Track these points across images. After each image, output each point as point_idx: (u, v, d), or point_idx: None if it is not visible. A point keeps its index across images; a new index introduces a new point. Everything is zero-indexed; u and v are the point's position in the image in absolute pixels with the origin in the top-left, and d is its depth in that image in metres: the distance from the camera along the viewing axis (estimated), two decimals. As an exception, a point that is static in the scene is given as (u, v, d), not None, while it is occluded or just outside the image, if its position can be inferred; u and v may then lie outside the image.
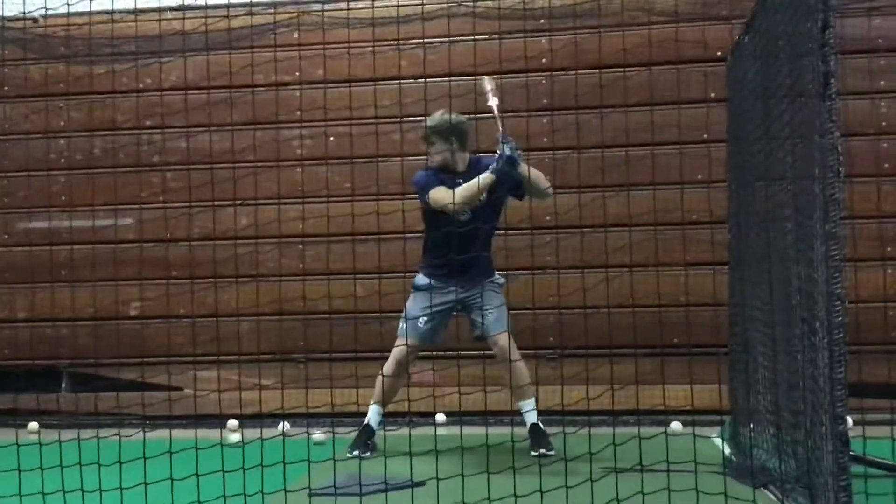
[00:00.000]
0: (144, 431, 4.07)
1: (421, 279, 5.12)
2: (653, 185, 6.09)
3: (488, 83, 5.09)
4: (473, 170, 5.04)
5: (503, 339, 4.94)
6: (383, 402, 5.20)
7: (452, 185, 4.94)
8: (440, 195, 4.89)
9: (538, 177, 4.97)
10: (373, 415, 5.19)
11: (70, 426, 6.13)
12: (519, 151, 4.84)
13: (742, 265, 4.48)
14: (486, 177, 4.84)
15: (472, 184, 4.86)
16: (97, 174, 6.62)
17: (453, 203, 4.73)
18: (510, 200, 5.31)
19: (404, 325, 5.06)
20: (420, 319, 5.02)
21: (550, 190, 5.07)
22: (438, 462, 3.84)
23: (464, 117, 5.12)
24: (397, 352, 5.06)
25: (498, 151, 4.82)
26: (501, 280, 5.21)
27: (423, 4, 6.36)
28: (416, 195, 5.18)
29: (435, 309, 4.95)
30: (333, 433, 4.87)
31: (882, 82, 6.15)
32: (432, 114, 5.13)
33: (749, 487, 3.85)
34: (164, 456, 3.87)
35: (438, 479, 3.71)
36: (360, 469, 4.15)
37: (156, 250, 6.53)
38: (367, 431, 5.15)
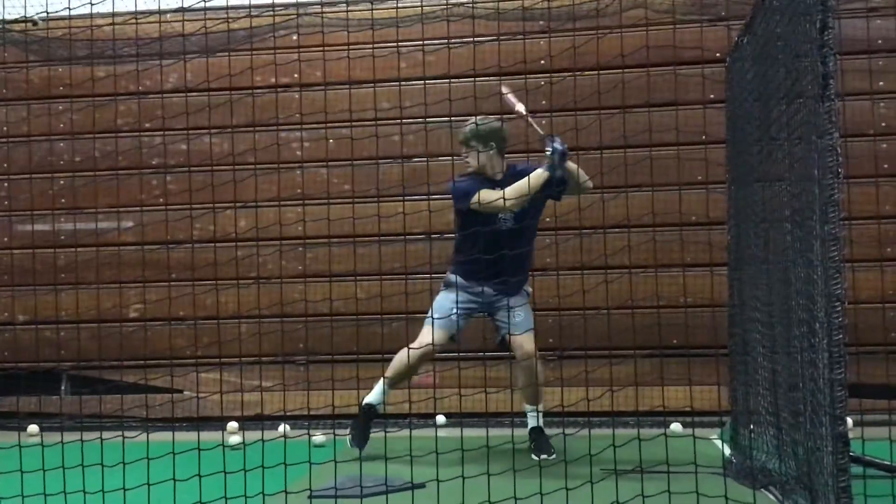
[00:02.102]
0: (148, 433, 4.08)
1: (453, 277, 5.03)
2: (652, 187, 6.09)
3: (506, 90, 5.01)
4: (510, 177, 4.94)
5: (528, 341, 4.89)
6: (396, 384, 5.02)
7: (494, 189, 4.85)
8: (490, 195, 4.78)
9: (581, 171, 4.96)
10: (378, 392, 5.03)
11: (71, 429, 6.16)
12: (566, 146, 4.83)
13: (741, 266, 4.49)
14: (539, 174, 4.78)
15: (523, 183, 4.78)
16: (98, 177, 6.62)
17: (504, 200, 4.60)
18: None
19: (436, 315, 4.93)
20: (452, 313, 4.88)
21: (590, 183, 5.04)
22: (439, 464, 3.84)
23: (502, 125, 4.99)
24: (425, 337, 4.90)
25: (548, 150, 4.76)
26: (529, 290, 5.16)
27: (422, 6, 6.36)
28: (451, 198, 5.02)
29: (465, 307, 4.92)
30: (335, 435, 4.88)
31: (881, 83, 6.15)
32: (469, 119, 5.00)
33: (749, 489, 3.86)
34: (165, 458, 3.88)
35: (439, 482, 3.72)
36: (360, 471, 4.15)
37: (157, 253, 6.52)
38: (370, 408, 5.03)
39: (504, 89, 5.04)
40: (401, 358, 4.90)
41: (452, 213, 5.13)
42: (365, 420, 5.07)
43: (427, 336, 4.89)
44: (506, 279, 4.78)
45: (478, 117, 4.97)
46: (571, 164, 4.88)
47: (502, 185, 4.88)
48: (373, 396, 5.08)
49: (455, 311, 4.84)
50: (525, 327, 4.92)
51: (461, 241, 5.05)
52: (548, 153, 4.77)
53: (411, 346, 4.79)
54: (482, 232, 4.73)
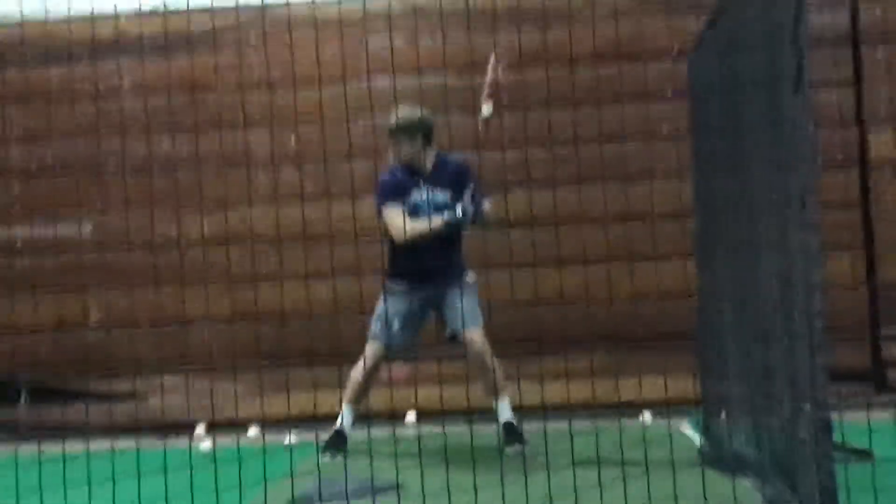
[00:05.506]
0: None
1: (391, 283, 5.04)
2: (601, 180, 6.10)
3: (493, 69, 4.99)
4: (440, 169, 4.98)
5: (476, 335, 4.91)
6: (356, 402, 5.08)
7: (416, 187, 4.94)
8: (393, 220, 4.88)
9: (489, 218, 5.02)
10: (344, 417, 5.08)
11: (30, 440, 6.02)
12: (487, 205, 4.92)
13: (710, 256, 4.52)
14: (441, 222, 4.82)
15: (425, 226, 4.81)
16: (53, 181, 6.46)
17: (402, 230, 4.80)
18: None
19: (377, 329, 5.00)
20: (394, 323, 4.97)
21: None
22: (413, 463, 3.82)
23: (429, 113, 5.03)
24: (369, 353, 5.01)
25: (461, 208, 4.80)
26: (472, 279, 5.10)
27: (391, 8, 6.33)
28: (376, 197, 5.06)
29: (409, 313, 4.97)
30: (317, 437, 4.82)
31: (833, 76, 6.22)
32: (399, 108, 5.00)
33: (725, 477, 3.89)
34: (132, 469, 3.81)
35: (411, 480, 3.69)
36: (318, 475, 4.11)
37: (116, 258, 6.39)
38: (340, 434, 5.05)
39: (492, 65, 4.98)
40: (352, 382, 5.03)
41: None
42: (336, 443, 5.03)
43: (367, 349, 5.00)
44: (436, 278, 4.89)
45: (405, 107, 4.98)
46: (486, 208, 4.93)
47: (431, 179, 4.94)
48: (339, 423, 5.07)
49: (397, 321, 4.96)
50: (469, 323, 4.89)
51: (391, 247, 5.06)
52: (458, 214, 4.81)
53: (356, 372, 4.98)
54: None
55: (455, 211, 4.80)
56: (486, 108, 4.90)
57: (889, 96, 6.12)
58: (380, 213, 5.00)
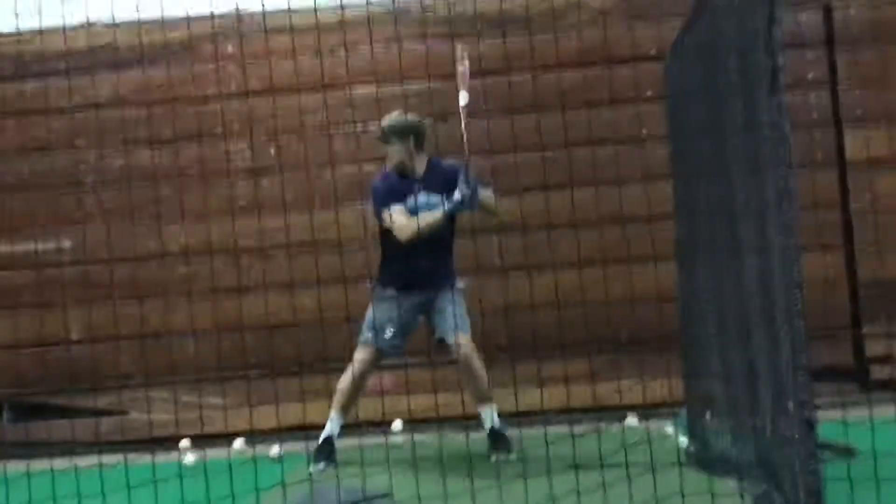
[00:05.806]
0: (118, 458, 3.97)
1: (382, 289, 5.06)
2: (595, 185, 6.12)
3: (461, 62, 5.00)
4: (432, 173, 5.01)
5: (464, 341, 4.92)
6: (345, 409, 5.07)
7: (410, 192, 4.95)
8: (399, 221, 4.88)
9: (490, 202, 5.01)
10: (333, 423, 5.06)
11: (14, 457, 5.98)
12: (485, 191, 4.93)
13: (691, 259, 4.55)
14: (439, 216, 4.85)
15: (431, 218, 4.83)
16: (29, 196, 6.42)
17: (402, 229, 4.81)
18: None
19: (369, 335, 5.00)
20: (385, 328, 4.98)
21: (499, 208, 5.13)
22: (404, 471, 3.83)
23: (422, 118, 5.09)
24: (359, 359, 5.00)
25: (459, 192, 4.79)
26: (461, 285, 5.13)
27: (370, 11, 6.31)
28: (374, 203, 5.10)
29: (400, 319, 4.94)
30: (307, 447, 4.81)
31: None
32: (389, 113, 5.09)
33: (709, 477, 3.92)
34: (120, 485, 3.81)
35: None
36: (311, 486, 4.10)
37: (97, 272, 6.35)
38: (329, 442, 5.04)
39: (459, 57, 5.00)
40: (342, 390, 5.02)
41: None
42: (327, 452, 5.02)
43: (357, 355, 4.99)
44: (428, 283, 4.92)
45: (395, 112, 5.07)
46: (485, 193, 4.93)
47: (424, 182, 4.98)
48: (328, 430, 5.05)
49: (390, 328, 4.96)
50: (458, 327, 4.91)
51: (385, 251, 5.09)
52: (457, 198, 4.80)
53: (346, 379, 4.98)
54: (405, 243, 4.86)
55: (454, 197, 4.81)
56: (463, 96, 4.93)
57: (864, 96, 6.16)
58: (379, 217, 5.02)
